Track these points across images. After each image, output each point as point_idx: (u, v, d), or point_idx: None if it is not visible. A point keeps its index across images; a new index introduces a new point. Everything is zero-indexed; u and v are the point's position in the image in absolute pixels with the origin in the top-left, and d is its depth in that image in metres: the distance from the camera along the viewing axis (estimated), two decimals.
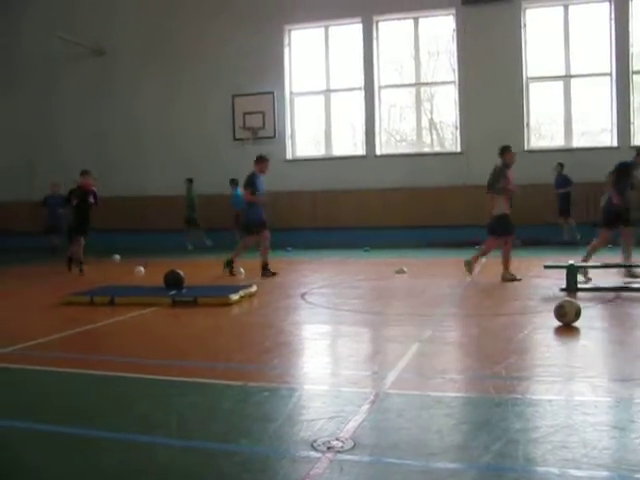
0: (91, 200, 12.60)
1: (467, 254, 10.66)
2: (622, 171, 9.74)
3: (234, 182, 17.58)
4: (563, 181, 16.19)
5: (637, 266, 9.67)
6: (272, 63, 18.91)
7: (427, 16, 18.23)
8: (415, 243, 16.65)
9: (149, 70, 19.57)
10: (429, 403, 4.13)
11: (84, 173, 12.91)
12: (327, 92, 19.14)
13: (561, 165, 16.27)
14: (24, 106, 20.62)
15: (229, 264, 11.49)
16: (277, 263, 14.49)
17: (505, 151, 10.12)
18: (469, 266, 10.26)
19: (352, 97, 18.97)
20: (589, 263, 9.44)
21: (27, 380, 5.07)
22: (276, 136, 18.91)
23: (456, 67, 17.91)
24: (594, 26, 17.10)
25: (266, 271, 11.20)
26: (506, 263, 9.86)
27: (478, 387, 4.55)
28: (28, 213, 19.00)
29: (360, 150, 18.90)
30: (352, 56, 18.75)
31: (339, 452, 3.28)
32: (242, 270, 11.45)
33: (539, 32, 17.46)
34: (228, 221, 17.51)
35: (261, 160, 11.63)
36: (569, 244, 15.26)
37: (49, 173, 18.52)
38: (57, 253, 15.58)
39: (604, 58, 16.93)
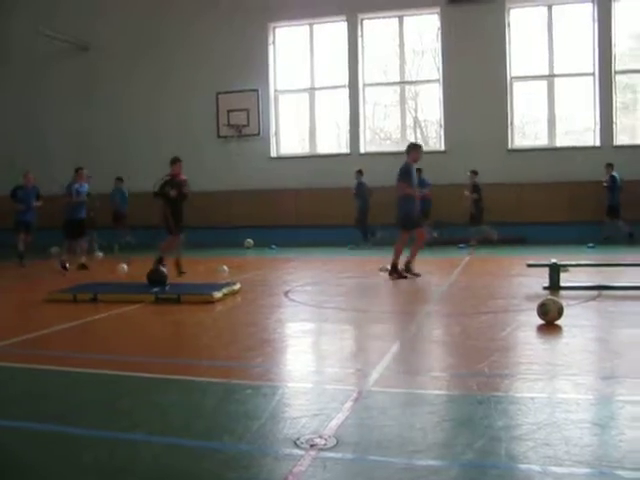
0: (186, 190, 11.26)
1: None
2: None
3: (120, 179, 17.41)
4: (421, 184, 16.10)
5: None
6: (257, 61, 18.87)
7: (412, 15, 18.28)
8: None
9: (134, 67, 19.45)
10: (412, 401, 4.14)
11: (176, 161, 11.27)
12: (312, 90, 19.12)
13: (418, 170, 16.16)
14: (7, 102, 20.40)
15: (394, 269, 10.23)
16: (261, 261, 14.56)
17: None
18: None
19: (337, 95, 18.97)
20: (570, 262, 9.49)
21: (9, 378, 5.02)
22: (260, 133, 18.88)
23: (440, 66, 17.97)
24: (577, 26, 17.23)
25: (404, 271, 10.08)
26: None
27: (461, 385, 4.57)
28: (8, 210, 18.77)
29: (344, 148, 18.90)
30: (337, 54, 18.74)
31: (322, 449, 3.27)
32: (225, 268, 11.36)
33: (523, 32, 17.56)
34: (208, 219, 17.50)
35: (415, 147, 10.71)
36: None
37: (31, 170, 18.28)
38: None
39: (587, 58, 17.06)
